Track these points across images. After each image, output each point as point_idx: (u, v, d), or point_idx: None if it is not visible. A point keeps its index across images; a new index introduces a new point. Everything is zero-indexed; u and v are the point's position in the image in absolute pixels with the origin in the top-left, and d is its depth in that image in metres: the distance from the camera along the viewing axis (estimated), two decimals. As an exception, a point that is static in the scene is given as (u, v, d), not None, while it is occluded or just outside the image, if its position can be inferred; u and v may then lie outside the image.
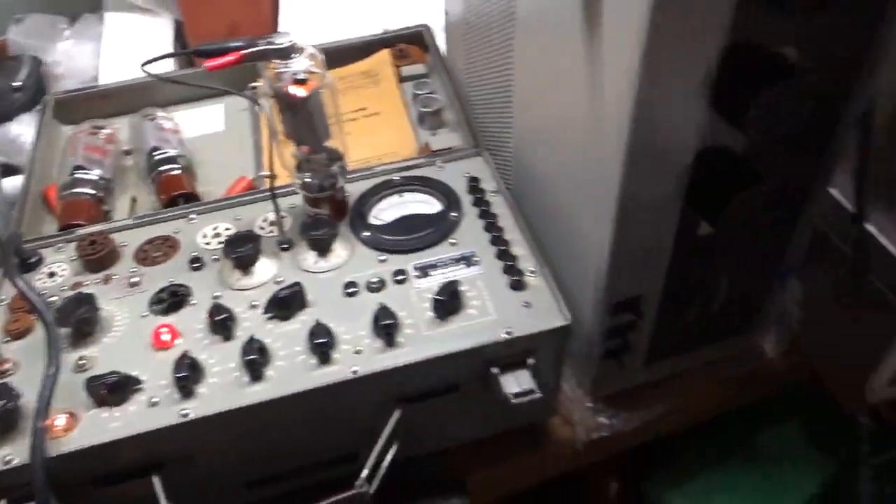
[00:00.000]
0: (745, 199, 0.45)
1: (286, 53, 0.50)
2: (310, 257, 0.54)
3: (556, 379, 0.54)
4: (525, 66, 0.56)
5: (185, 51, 0.98)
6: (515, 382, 0.48)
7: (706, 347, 0.60)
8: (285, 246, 0.56)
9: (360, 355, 0.48)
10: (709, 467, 0.75)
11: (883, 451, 0.60)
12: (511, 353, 0.49)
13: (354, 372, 0.47)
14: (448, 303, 0.49)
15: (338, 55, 0.73)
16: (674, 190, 0.45)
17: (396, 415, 0.48)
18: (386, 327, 0.48)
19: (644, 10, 0.36)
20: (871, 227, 0.52)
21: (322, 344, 0.47)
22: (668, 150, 0.43)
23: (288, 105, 0.52)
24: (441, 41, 0.78)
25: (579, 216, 0.52)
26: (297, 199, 0.58)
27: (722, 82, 0.40)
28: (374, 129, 0.71)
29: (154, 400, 0.46)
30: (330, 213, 0.57)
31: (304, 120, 0.53)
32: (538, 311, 0.50)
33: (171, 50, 0.98)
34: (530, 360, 0.49)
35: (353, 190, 0.60)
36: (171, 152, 0.67)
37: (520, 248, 0.54)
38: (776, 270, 0.55)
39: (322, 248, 0.54)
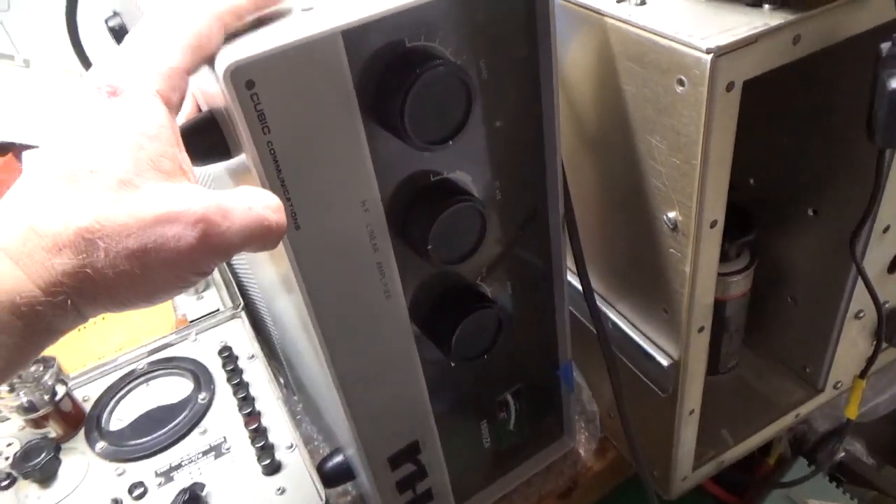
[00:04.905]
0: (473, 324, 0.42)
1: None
2: (31, 492, 0.46)
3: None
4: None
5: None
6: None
7: (517, 468, 0.55)
8: (6, 482, 0.47)
9: None
10: None
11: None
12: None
13: None
14: (185, 516, 0.42)
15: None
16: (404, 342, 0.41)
17: None
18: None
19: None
20: (605, 305, 0.50)
21: None
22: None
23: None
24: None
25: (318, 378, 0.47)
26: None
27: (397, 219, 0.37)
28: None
29: None
30: (59, 430, 0.49)
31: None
32: (292, 497, 0.44)
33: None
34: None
35: (93, 392, 0.52)
36: None
37: (274, 419, 0.48)
38: (555, 367, 0.51)
39: (42, 479, 0.46)
